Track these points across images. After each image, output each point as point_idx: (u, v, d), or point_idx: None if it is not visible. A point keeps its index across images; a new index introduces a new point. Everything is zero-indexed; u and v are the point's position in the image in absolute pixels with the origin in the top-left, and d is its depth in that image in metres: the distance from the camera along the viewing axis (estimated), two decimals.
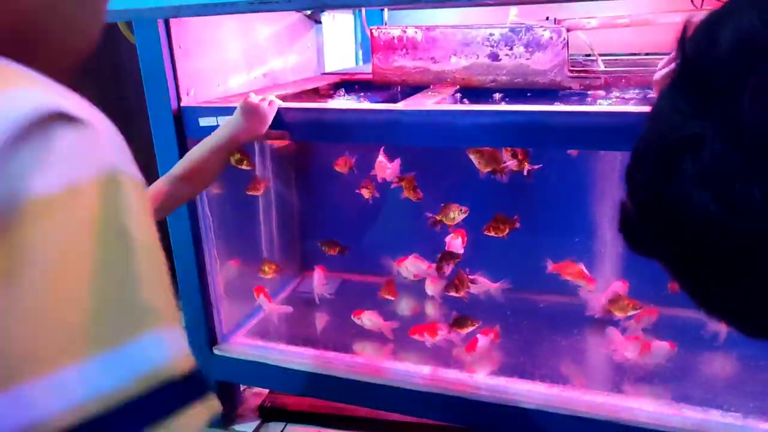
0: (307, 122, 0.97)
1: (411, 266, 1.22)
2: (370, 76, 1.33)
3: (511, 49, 1.15)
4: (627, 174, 0.38)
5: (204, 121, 1.02)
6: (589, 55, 1.40)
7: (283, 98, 1.17)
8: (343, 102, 1.24)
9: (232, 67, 1.21)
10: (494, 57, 1.16)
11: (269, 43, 1.35)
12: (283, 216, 1.48)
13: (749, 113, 0.30)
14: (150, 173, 1.13)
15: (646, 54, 1.51)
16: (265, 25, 1.32)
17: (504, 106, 0.85)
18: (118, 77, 1.76)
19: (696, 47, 0.34)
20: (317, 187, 1.51)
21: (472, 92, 1.17)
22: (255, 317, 1.32)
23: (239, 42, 1.23)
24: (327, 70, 1.63)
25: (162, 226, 1.13)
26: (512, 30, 1.14)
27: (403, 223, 1.37)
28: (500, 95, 1.15)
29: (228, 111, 1.00)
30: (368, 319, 1.21)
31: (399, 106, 0.94)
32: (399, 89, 1.26)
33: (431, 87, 1.20)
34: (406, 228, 1.35)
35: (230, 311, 1.25)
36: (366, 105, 0.97)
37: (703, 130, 0.31)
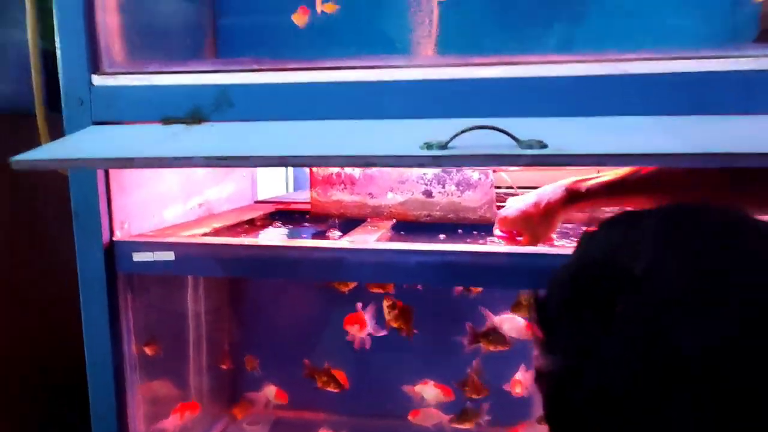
0: (248, 259, 0.95)
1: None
2: (306, 206, 1.36)
3: (443, 187, 1.23)
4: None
5: (138, 256, 0.98)
6: (510, 188, 1.53)
7: (218, 231, 1.16)
8: (282, 239, 1.25)
9: (169, 198, 1.19)
10: (428, 194, 1.23)
11: (206, 173, 1.35)
12: (213, 348, 1.40)
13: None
14: (68, 308, 1.05)
15: None
16: None
17: (451, 246, 0.89)
18: (34, 197, 1.68)
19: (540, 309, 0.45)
20: (250, 316, 1.46)
21: (409, 226, 1.22)
22: None
23: (177, 174, 1.22)
24: (260, 198, 1.64)
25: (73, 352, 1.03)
26: (444, 170, 1.23)
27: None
28: (443, 235, 1.19)
29: (163, 246, 0.97)
30: None
31: (344, 243, 0.95)
32: (337, 221, 1.29)
33: (369, 220, 1.24)
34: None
35: None
36: (308, 242, 0.97)
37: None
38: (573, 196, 0.90)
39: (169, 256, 0.95)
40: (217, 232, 1.14)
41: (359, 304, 1.09)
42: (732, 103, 0.73)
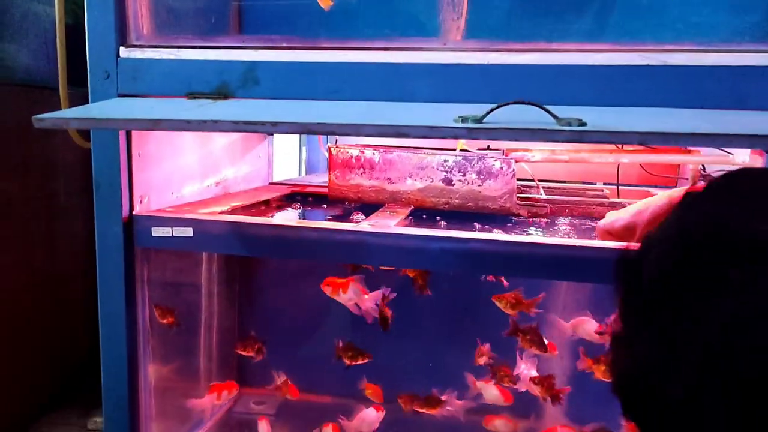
0: (269, 238, 0.95)
1: None
2: (322, 190, 1.35)
3: (464, 175, 1.21)
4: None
5: (157, 231, 0.97)
6: (531, 180, 1.52)
7: (236, 210, 1.15)
8: (305, 220, 1.24)
9: (187, 175, 1.18)
10: (448, 181, 1.22)
11: (224, 153, 1.34)
12: (222, 328, 1.40)
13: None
14: (87, 279, 1.04)
15: (581, 183, 1.66)
16: (223, 135, 1.33)
17: (480, 234, 0.88)
18: (48, 174, 1.68)
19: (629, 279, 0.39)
20: (259, 297, 1.45)
21: (427, 213, 1.21)
22: None
23: (196, 150, 1.22)
24: (274, 179, 1.64)
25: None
26: (465, 158, 1.21)
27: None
28: (478, 224, 1.18)
29: (183, 222, 0.96)
30: None
31: (366, 227, 0.94)
32: (353, 206, 1.28)
33: (387, 206, 1.23)
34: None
35: None
36: (329, 224, 0.97)
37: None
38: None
39: (187, 232, 0.95)
40: (234, 211, 1.13)
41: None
42: None
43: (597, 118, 0.64)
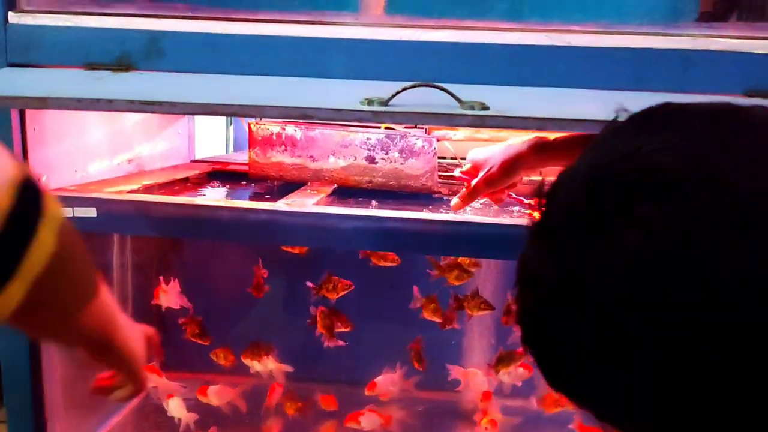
0: (179, 218, 0.91)
1: None
2: (244, 168, 1.31)
3: (386, 153, 1.21)
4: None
5: None
6: (453, 158, 1.53)
7: (149, 189, 1.10)
8: (217, 199, 1.20)
9: (94, 153, 1.11)
10: (371, 160, 1.21)
11: (137, 129, 1.27)
12: (139, 311, 1.35)
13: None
14: None
15: None
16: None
17: (388, 212, 0.88)
18: None
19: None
20: (180, 277, 1.40)
21: (349, 192, 1.20)
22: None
23: (103, 126, 1.15)
24: (197, 157, 1.57)
25: None
26: (388, 136, 1.21)
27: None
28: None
29: (85, 202, 0.91)
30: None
31: (281, 206, 0.92)
32: (276, 184, 1.25)
33: (309, 184, 1.21)
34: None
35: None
36: (246, 203, 0.94)
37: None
38: (541, 145, 0.84)
39: (90, 212, 0.89)
40: (147, 190, 1.08)
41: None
42: (671, 81, 0.74)
43: (501, 100, 0.64)
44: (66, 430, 1.07)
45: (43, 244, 0.36)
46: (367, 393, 1.14)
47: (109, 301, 0.51)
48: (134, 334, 0.57)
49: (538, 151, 0.83)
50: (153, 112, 0.67)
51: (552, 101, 0.68)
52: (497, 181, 0.85)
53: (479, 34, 0.82)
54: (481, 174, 0.87)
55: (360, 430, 1.11)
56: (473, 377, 1.17)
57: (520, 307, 0.39)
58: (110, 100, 0.64)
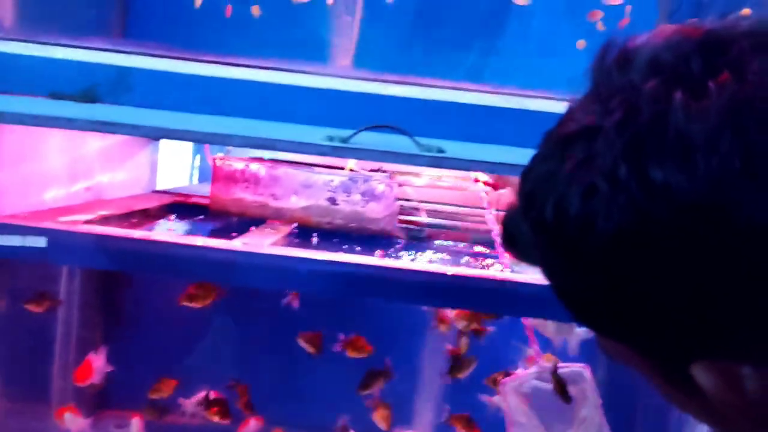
0: (132, 252, 0.90)
1: None
2: (206, 201, 1.31)
3: (348, 195, 1.23)
4: None
5: (4, 240, 0.89)
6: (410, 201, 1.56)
7: (108, 218, 1.09)
8: (169, 234, 1.18)
9: (51, 179, 1.10)
10: (332, 201, 1.23)
11: (98, 156, 1.26)
12: (83, 344, 1.31)
13: None
14: None
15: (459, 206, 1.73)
16: (97, 138, 1.25)
17: (348, 257, 0.89)
18: None
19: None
20: (127, 310, 1.37)
21: (308, 232, 1.21)
22: None
23: (62, 153, 1.13)
24: (159, 188, 1.56)
25: None
26: (351, 178, 1.23)
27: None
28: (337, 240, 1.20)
29: (35, 231, 0.89)
30: None
31: (237, 245, 0.92)
32: (235, 220, 1.25)
33: (268, 222, 1.21)
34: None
35: None
36: (199, 240, 0.94)
37: None
38: None
39: (40, 242, 0.88)
40: (103, 220, 1.07)
41: None
42: None
43: (456, 148, 0.68)
44: None
45: None
46: None
47: None
48: None
49: None
50: (113, 132, 0.67)
51: (502, 153, 0.72)
52: None
53: (441, 92, 0.86)
54: None
55: None
56: None
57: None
58: (70, 119, 0.64)
